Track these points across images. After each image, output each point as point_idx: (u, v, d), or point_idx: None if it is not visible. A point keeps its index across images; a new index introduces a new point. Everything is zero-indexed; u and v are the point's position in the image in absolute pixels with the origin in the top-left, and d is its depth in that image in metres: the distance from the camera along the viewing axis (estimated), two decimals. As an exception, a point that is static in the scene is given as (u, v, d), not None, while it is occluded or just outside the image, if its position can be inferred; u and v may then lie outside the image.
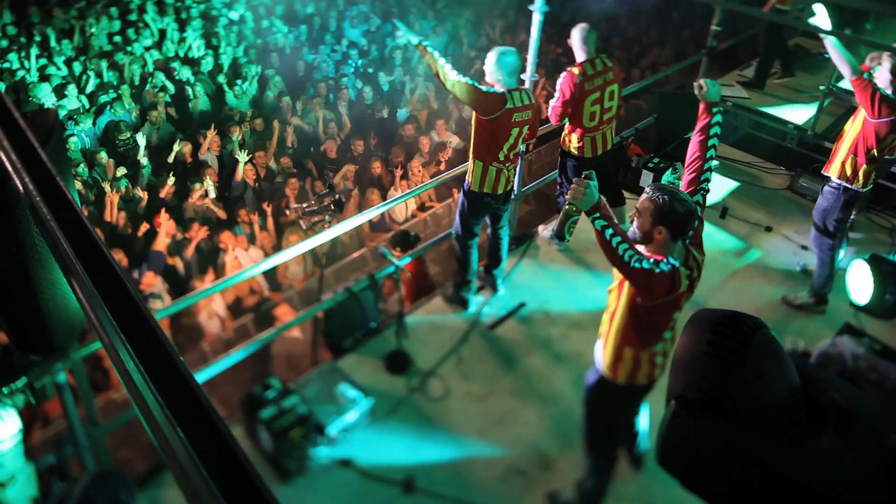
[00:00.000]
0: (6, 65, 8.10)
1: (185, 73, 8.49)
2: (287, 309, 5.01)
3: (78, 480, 1.83)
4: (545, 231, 5.29)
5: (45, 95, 7.33)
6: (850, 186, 4.22)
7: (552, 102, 4.54)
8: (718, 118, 2.98)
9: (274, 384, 3.60)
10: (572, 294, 4.73)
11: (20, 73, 7.99)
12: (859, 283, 4.62)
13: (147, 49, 9.16)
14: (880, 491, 1.08)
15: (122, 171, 6.54)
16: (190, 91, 8.16)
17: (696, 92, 3.08)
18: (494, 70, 3.86)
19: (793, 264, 5.11)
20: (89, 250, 0.93)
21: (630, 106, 8.46)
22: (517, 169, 4.70)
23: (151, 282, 5.28)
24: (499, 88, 3.87)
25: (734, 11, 6.61)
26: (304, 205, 4.33)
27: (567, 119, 4.58)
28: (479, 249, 4.46)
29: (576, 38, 4.48)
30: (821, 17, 4.47)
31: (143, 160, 6.67)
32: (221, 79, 8.62)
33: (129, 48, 9.11)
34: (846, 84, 6.16)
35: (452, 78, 3.75)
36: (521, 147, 4.14)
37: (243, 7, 11.10)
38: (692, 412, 1.19)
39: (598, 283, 4.77)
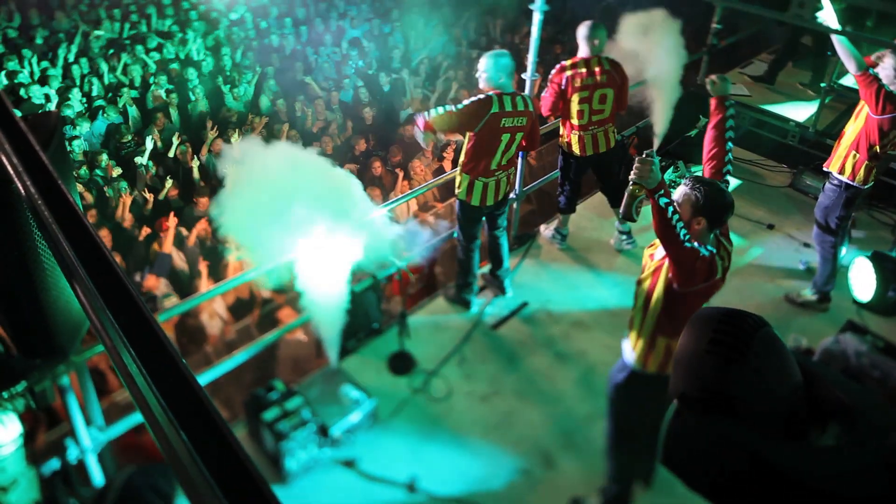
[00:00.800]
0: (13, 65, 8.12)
1: (186, 74, 8.49)
2: (290, 311, 5.01)
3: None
4: (547, 231, 5.28)
5: (41, 97, 7.36)
6: (851, 183, 4.22)
7: (543, 93, 4.57)
8: (732, 111, 3.08)
9: (277, 386, 3.60)
10: (575, 293, 4.71)
11: (20, 76, 8.00)
12: (862, 280, 4.62)
13: (148, 52, 9.16)
14: (881, 488, 1.08)
15: (117, 171, 6.53)
16: (190, 92, 8.16)
17: (710, 88, 3.18)
18: (493, 73, 3.82)
19: (795, 262, 5.10)
20: (91, 253, 0.93)
21: (630, 106, 8.41)
22: (517, 170, 4.70)
23: (156, 284, 5.28)
24: (488, 93, 3.81)
25: (735, 9, 6.60)
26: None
27: (560, 115, 4.61)
28: (480, 250, 4.47)
29: (580, 34, 4.49)
30: (828, 15, 4.46)
31: (145, 159, 6.66)
32: (220, 80, 8.63)
33: (129, 50, 9.12)
34: (847, 81, 6.18)
35: (433, 119, 3.76)
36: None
37: (243, 8, 11.10)
38: (694, 411, 1.19)
39: (601, 282, 4.76)
